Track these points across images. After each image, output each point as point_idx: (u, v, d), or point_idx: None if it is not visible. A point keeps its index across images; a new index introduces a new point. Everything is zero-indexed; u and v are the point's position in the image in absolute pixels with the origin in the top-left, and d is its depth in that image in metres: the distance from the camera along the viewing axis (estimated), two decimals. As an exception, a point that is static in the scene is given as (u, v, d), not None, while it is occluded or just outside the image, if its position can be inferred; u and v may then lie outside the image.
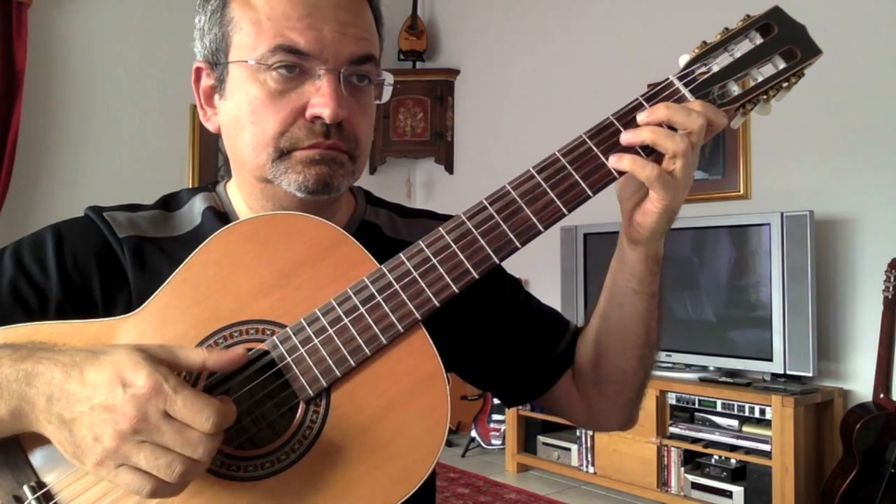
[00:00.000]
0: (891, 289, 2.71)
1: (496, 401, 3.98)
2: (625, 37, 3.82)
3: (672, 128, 0.70)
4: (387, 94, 0.82)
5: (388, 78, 0.81)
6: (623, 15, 3.84)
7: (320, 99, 0.74)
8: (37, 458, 0.65)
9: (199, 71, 0.82)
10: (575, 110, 3.94)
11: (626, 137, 0.70)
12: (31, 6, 3.44)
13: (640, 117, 0.70)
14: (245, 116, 0.76)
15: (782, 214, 2.90)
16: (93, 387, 0.58)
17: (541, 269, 3.65)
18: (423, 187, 5.00)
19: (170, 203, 0.87)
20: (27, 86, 3.42)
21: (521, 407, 3.69)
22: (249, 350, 0.68)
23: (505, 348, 0.91)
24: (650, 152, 0.71)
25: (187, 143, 3.99)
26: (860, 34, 2.92)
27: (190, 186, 0.94)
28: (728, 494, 2.91)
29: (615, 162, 0.70)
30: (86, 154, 3.68)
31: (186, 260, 0.70)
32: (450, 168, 4.74)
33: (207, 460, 0.59)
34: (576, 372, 0.91)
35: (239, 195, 0.85)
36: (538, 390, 0.92)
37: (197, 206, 0.85)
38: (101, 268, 0.79)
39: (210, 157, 4.07)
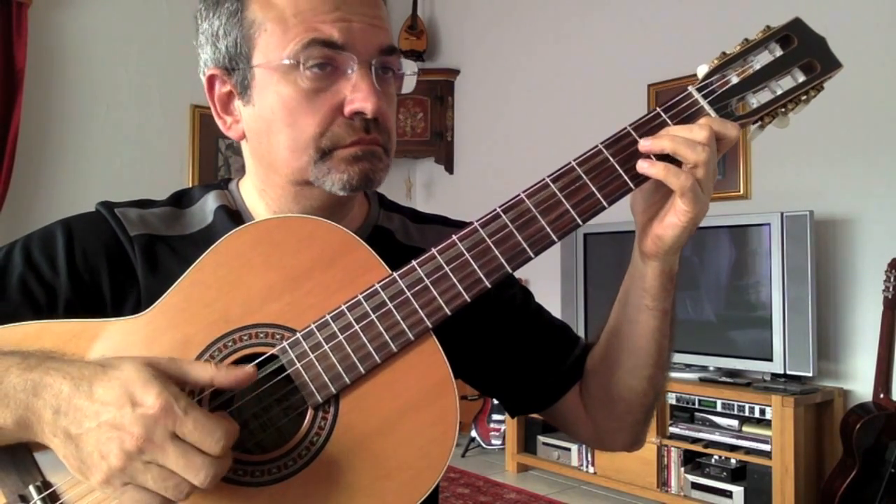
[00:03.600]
0: (891, 289, 2.71)
1: (496, 401, 3.98)
2: (625, 38, 3.81)
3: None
4: (408, 85, 0.81)
5: (411, 68, 0.80)
6: (623, 16, 3.84)
7: (359, 94, 0.73)
8: (43, 458, 0.65)
9: (212, 79, 0.79)
10: (575, 110, 3.94)
11: (645, 145, 0.70)
12: (31, 6, 3.43)
13: (644, 144, 0.70)
14: (280, 120, 0.74)
15: (782, 214, 2.91)
16: (101, 403, 0.58)
17: (541, 270, 3.64)
18: (423, 187, 4.99)
19: (181, 200, 0.85)
20: (27, 86, 3.42)
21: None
22: (259, 355, 0.68)
23: (512, 357, 0.90)
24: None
25: (187, 143, 3.98)
26: (860, 34, 2.92)
27: (200, 184, 0.93)
28: (728, 494, 2.91)
29: (647, 168, 0.69)
30: (86, 154, 3.68)
31: (197, 261, 0.69)
32: (450, 168, 4.74)
33: (211, 486, 0.58)
34: (584, 388, 0.89)
35: (254, 193, 0.83)
36: (543, 403, 0.91)
37: (209, 205, 0.84)
38: (110, 265, 0.78)
39: (210, 157, 4.07)
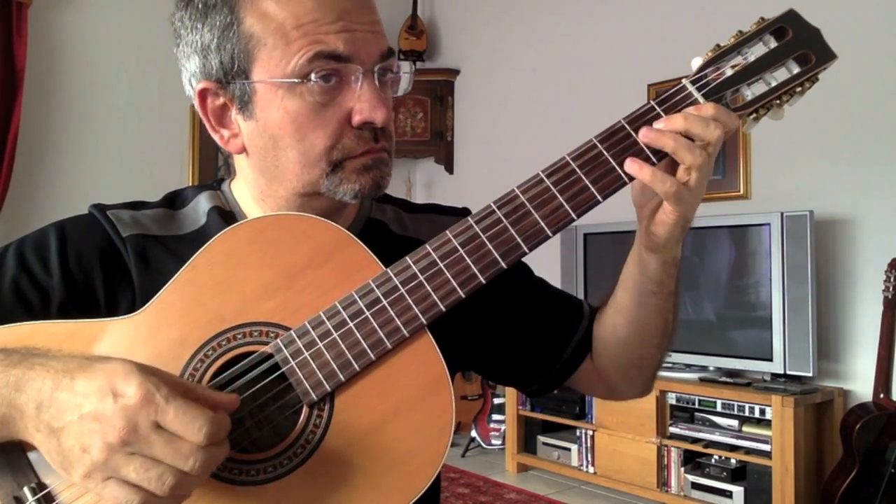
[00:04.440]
0: (891, 289, 2.71)
1: (496, 400, 3.99)
2: (625, 37, 3.82)
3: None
4: (404, 85, 0.80)
5: (404, 67, 0.80)
6: (623, 15, 3.84)
7: (367, 104, 0.73)
8: (37, 458, 0.64)
9: (203, 93, 0.77)
10: (575, 110, 3.94)
11: (650, 136, 0.69)
12: (31, 6, 3.44)
13: (657, 126, 0.69)
14: (289, 135, 0.73)
15: (782, 214, 2.90)
16: (83, 395, 0.57)
17: (541, 269, 3.62)
18: (423, 187, 4.99)
19: (174, 201, 0.85)
20: (27, 86, 3.42)
21: (521, 406, 3.69)
22: (253, 353, 0.68)
23: (523, 342, 0.91)
24: (659, 155, 0.70)
25: (187, 143, 3.99)
26: (860, 34, 2.92)
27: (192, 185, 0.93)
28: (728, 494, 2.91)
29: (636, 170, 0.69)
30: (86, 154, 3.68)
31: (190, 260, 0.69)
32: (450, 168, 4.74)
33: (202, 472, 0.57)
34: (595, 356, 0.91)
35: (249, 198, 0.83)
36: (560, 379, 0.93)
37: (202, 206, 0.84)
38: (104, 267, 0.78)
39: (210, 157, 4.07)
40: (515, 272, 0.93)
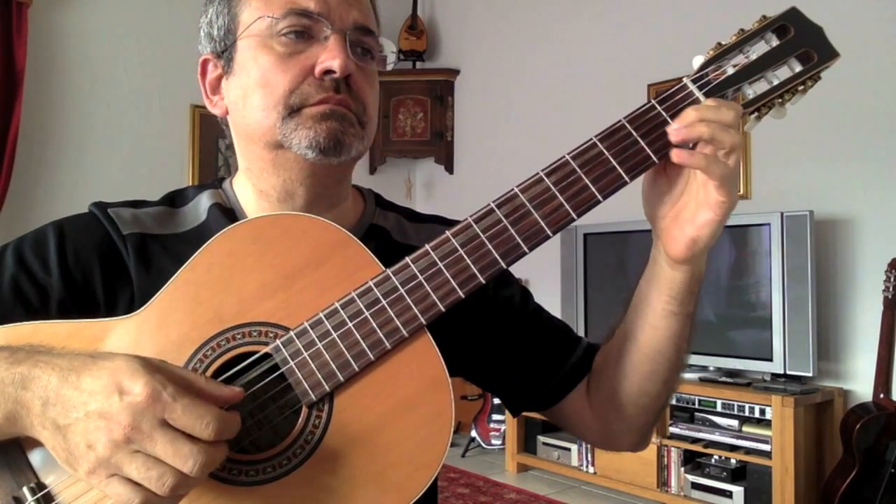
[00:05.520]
0: (891, 289, 2.71)
1: (496, 401, 3.99)
2: (625, 37, 3.82)
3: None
4: (388, 64, 0.84)
5: (389, 47, 0.83)
6: (623, 15, 3.84)
7: (329, 54, 0.75)
8: (37, 458, 0.65)
9: (205, 63, 0.83)
10: (575, 110, 3.94)
11: (681, 132, 0.68)
12: (31, 6, 3.44)
13: (672, 127, 0.68)
14: (255, 82, 0.77)
15: (782, 214, 2.90)
16: (89, 393, 0.57)
17: (541, 269, 3.65)
18: (423, 187, 4.99)
19: (175, 200, 0.86)
20: (27, 86, 3.42)
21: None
22: (252, 353, 0.67)
23: (511, 357, 0.89)
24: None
25: (187, 143, 3.98)
26: (861, 34, 2.92)
27: (193, 184, 0.94)
28: (728, 494, 2.91)
29: (685, 157, 0.67)
30: (86, 154, 3.68)
31: (190, 260, 0.69)
32: (450, 168, 4.74)
33: (200, 475, 0.57)
34: (594, 391, 0.87)
35: (247, 187, 0.83)
36: (543, 403, 0.90)
37: (203, 203, 0.84)
38: (103, 265, 0.78)
39: (210, 157, 4.06)
40: (516, 292, 0.92)
